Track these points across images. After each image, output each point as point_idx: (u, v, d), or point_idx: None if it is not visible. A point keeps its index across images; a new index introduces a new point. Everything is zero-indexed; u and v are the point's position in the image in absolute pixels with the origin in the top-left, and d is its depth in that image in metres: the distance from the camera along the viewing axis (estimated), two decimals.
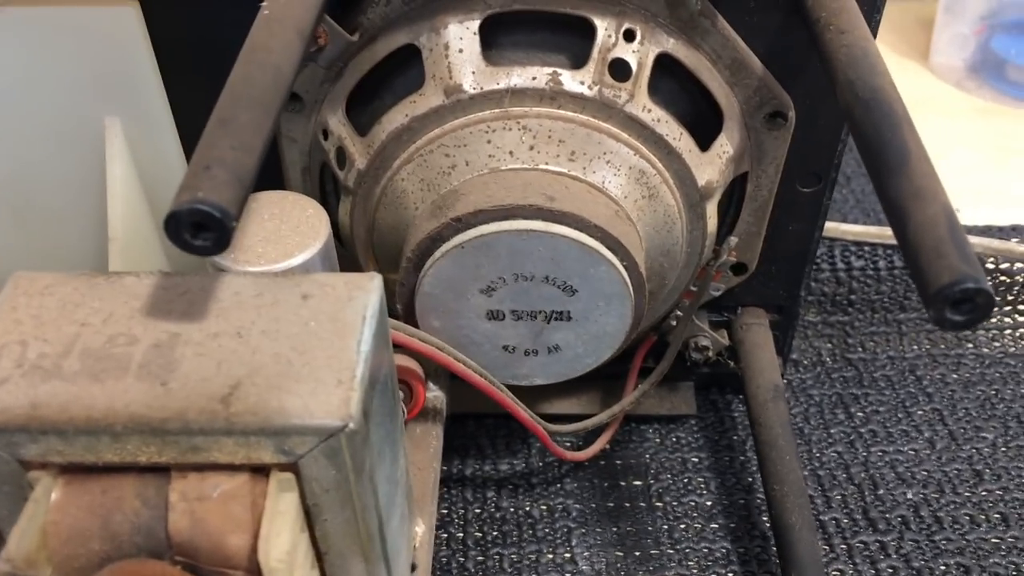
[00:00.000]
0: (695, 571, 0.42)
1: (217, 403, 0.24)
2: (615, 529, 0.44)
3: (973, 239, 0.53)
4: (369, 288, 0.27)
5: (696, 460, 0.47)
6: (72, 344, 0.25)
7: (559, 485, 0.46)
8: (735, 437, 0.49)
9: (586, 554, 0.42)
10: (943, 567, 0.42)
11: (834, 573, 0.42)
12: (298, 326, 0.26)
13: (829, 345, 0.54)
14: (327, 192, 0.41)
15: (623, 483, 0.46)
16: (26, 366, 0.25)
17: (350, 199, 0.38)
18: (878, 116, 0.29)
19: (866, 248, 0.54)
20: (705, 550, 0.43)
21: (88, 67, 0.37)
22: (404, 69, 0.37)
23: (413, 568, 0.34)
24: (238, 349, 0.25)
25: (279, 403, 0.24)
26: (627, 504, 0.45)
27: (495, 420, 0.49)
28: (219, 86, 0.38)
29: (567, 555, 0.42)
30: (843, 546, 0.43)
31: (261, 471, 0.25)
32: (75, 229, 0.42)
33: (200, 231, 0.23)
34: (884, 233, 0.54)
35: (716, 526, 0.44)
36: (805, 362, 0.53)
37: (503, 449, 0.48)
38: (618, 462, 0.47)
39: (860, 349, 0.54)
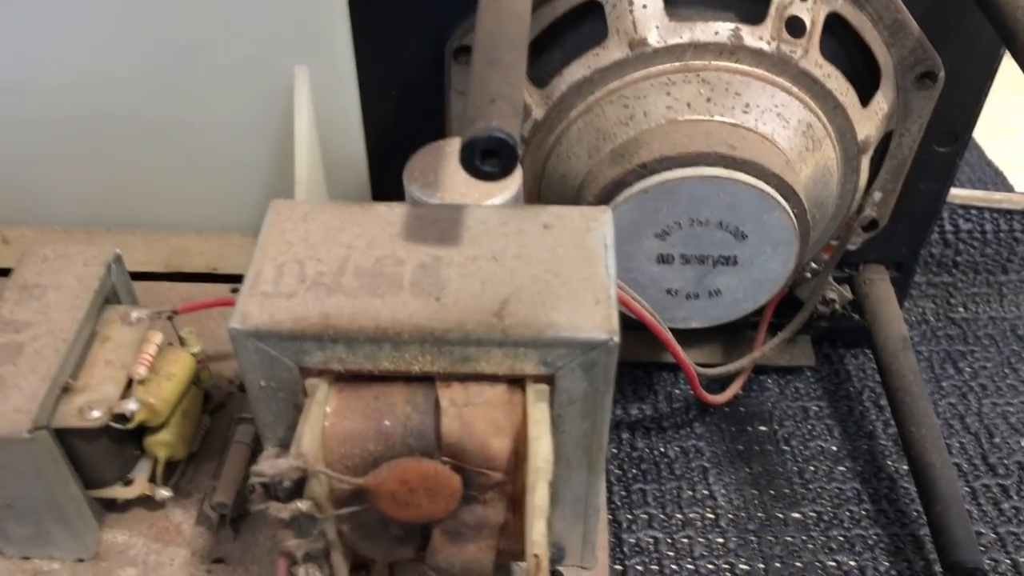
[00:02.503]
0: (829, 508, 0.44)
1: (492, 317, 0.26)
2: (748, 469, 0.46)
3: None
4: (604, 220, 0.29)
5: (817, 408, 0.50)
6: (344, 264, 0.27)
7: (689, 428, 0.48)
8: (851, 388, 0.51)
9: (723, 491, 0.45)
10: None
11: None
12: (546, 252, 0.28)
13: (932, 305, 0.56)
14: None
15: (749, 428, 0.48)
16: (308, 282, 0.27)
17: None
18: None
19: (973, 212, 0.56)
20: (836, 489, 0.45)
21: (285, 15, 0.38)
22: (576, 24, 0.39)
23: None
24: (497, 271, 0.27)
25: (547, 318, 0.26)
26: (756, 447, 0.47)
27: (619, 366, 0.51)
28: (404, 44, 0.40)
29: (706, 492, 0.45)
30: (967, 488, 0.45)
31: (516, 382, 0.27)
32: (249, 174, 0.44)
33: (488, 157, 0.25)
34: (992, 197, 0.55)
35: (844, 468, 0.46)
36: (910, 320, 0.55)
37: (631, 394, 0.50)
38: (742, 408, 0.50)
39: (962, 309, 0.56)
